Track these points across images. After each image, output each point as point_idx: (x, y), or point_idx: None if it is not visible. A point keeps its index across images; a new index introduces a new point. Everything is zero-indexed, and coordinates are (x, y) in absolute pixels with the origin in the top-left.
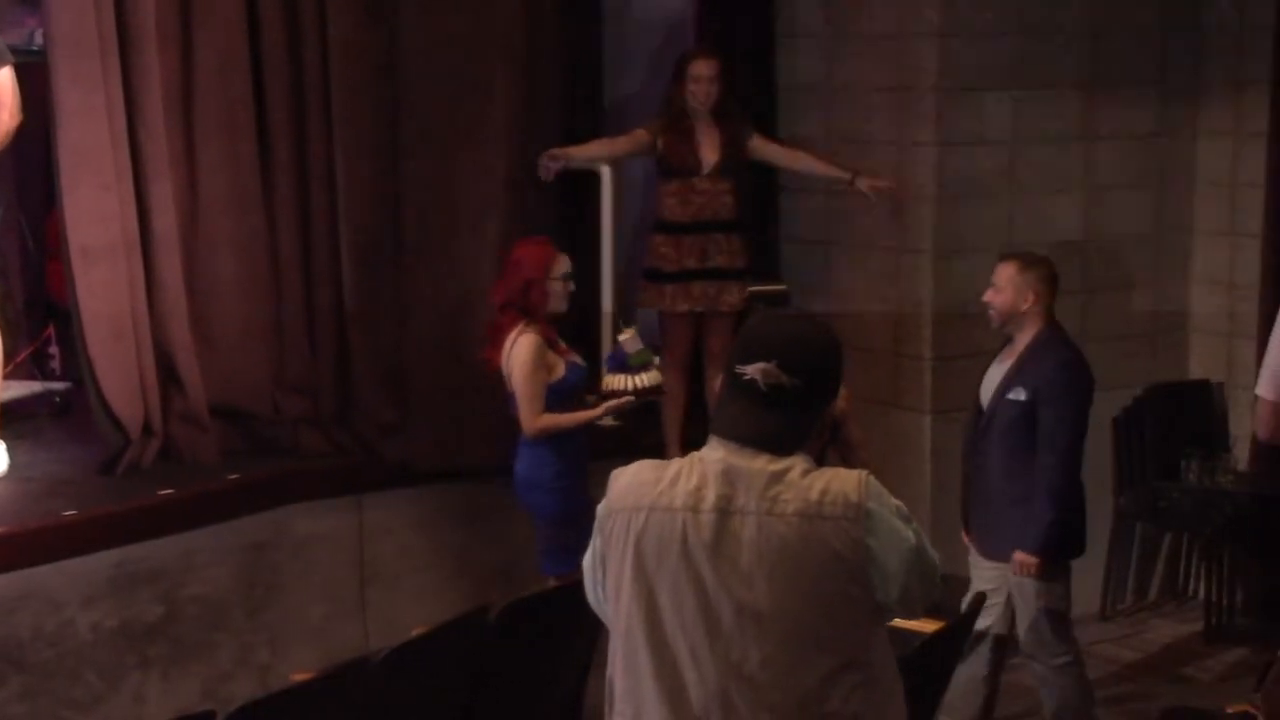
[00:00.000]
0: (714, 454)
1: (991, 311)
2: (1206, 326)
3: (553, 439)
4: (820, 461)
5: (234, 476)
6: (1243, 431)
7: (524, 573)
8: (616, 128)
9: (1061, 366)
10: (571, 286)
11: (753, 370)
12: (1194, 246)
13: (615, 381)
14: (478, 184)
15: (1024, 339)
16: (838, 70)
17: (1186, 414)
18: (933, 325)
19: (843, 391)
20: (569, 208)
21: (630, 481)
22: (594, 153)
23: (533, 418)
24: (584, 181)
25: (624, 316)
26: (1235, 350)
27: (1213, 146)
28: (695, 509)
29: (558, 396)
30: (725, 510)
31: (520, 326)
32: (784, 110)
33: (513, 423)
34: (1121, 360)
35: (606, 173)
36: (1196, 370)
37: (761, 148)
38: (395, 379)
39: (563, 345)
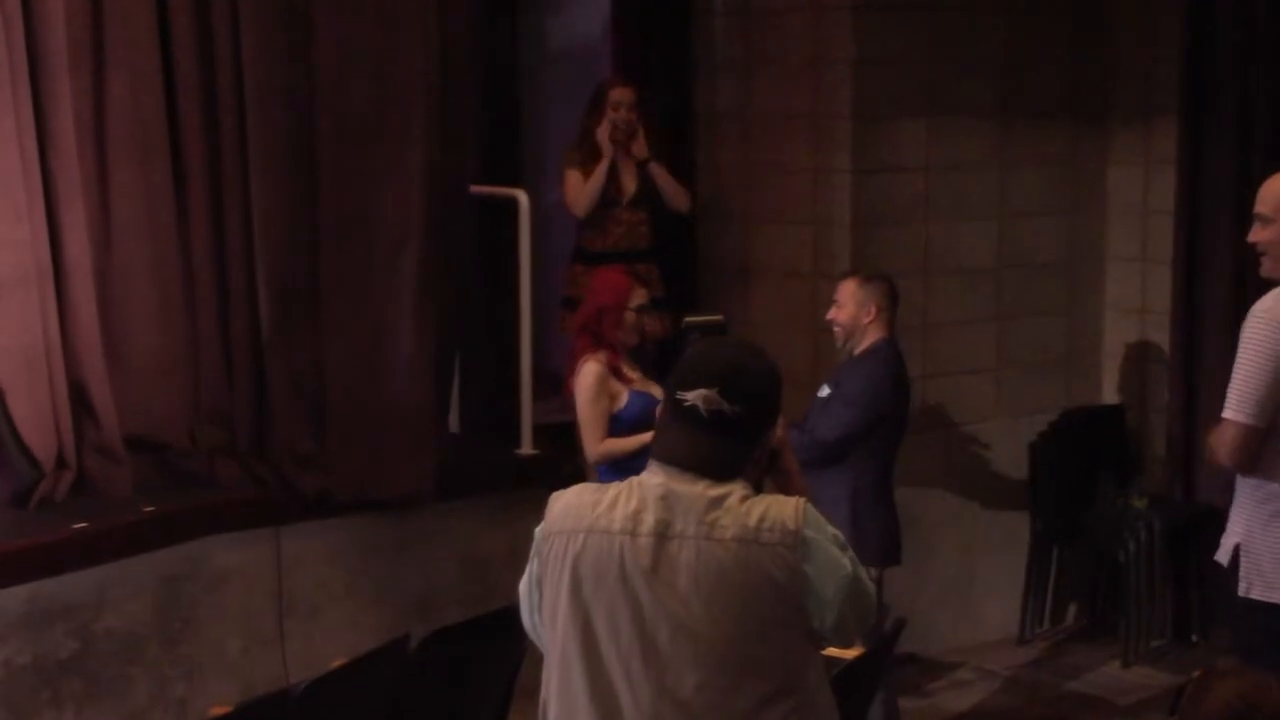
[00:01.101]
0: (653, 478)
1: (836, 329)
2: (1120, 352)
3: (620, 465)
4: (758, 490)
5: (149, 509)
6: (1155, 454)
7: (444, 604)
8: (533, 159)
9: (863, 374)
10: (645, 320)
11: (694, 397)
12: (1107, 273)
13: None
14: (395, 215)
15: (859, 350)
16: (754, 98)
17: (1101, 438)
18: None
19: (779, 421)
20: (487, 238)
21: (569, 504)
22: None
23: (593, 444)
24: (501, 211)
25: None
26: (1147, 375)
27: (1123, 174)
28: (633, 532)
29: (623, 426)
30: (664, 534)
31: (590, 353)
32: (701, 138)
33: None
34: (1036, 386)
35: (524, 201)
36: (1110, 395)
37: (655, 174)
38: (313, 409)
39: (632, 375)
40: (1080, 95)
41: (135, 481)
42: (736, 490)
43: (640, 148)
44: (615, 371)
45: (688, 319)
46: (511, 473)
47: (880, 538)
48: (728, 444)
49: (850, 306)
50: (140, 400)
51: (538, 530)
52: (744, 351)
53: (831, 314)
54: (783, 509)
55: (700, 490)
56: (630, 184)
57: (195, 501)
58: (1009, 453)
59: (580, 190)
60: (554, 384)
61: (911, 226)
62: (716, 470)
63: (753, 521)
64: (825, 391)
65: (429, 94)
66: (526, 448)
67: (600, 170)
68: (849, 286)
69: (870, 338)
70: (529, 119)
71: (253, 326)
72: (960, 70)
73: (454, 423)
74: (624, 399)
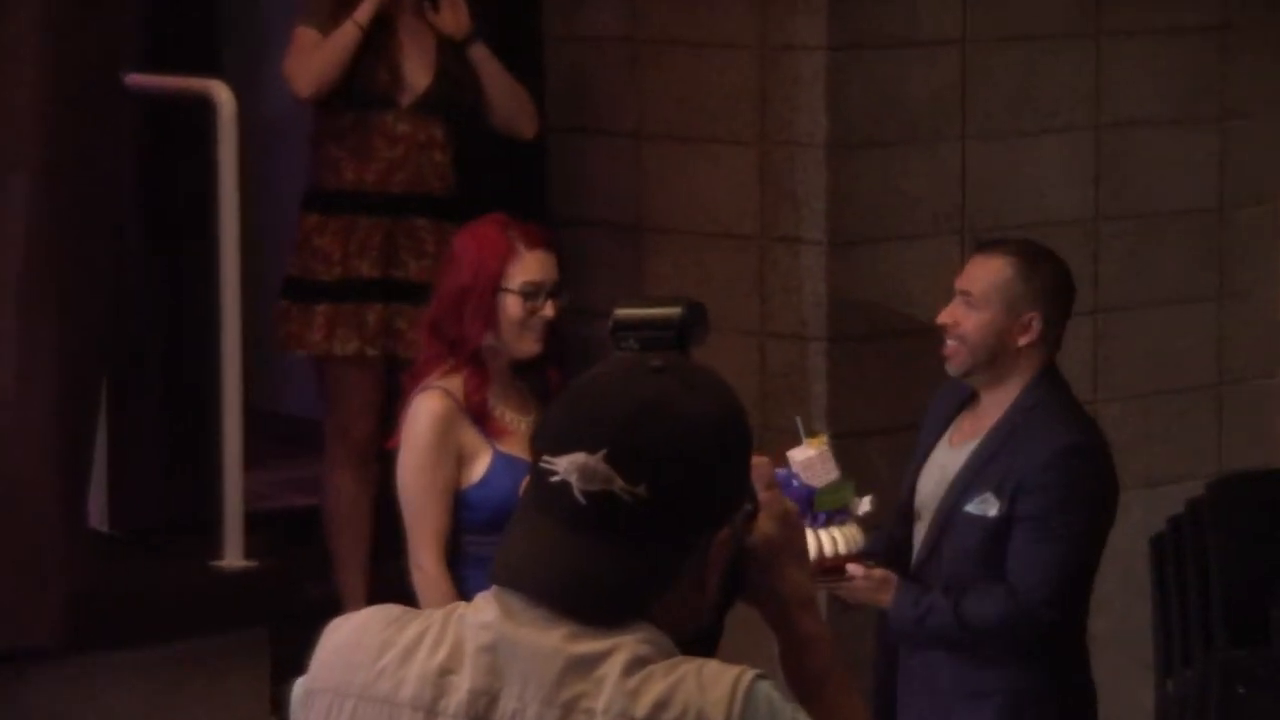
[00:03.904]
0: (482, 614)
1: (953, 344)
2: None
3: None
4: (705, 644)
5: None
6: None
7: None
8: (249, 34)
9: (1067, 452)
10: (548, 310)
11: (565, 466)
12: None
13: None
14: None
15: (1001, 397)
16: None
17: None
18: (829, 378)
19: (776, 506)
20: (160, 163)
21: (344, 643)
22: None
23: (421, 543)
24: (184, 113)
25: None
26: None
27: None
28: (431, 709)
29: (481, 517)
30: (482, 717)
31: (438, 374)
32: None
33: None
34: (1165, 434)
35: (226, 101)
36: None
37: (482, 63)
38: None
39: (517, 421)
40: None
41: None
42: (626, 646)
43: (458, 16)
44: (477, 412)
45: (621, 311)
46: (206, 603)
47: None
48: (620, 556)
49: (995, 309)
50: None
51: (297, 685)
52: (671, 383)
53: (949, 315)
54: (706, 688)
55: (556, 642)
56: (420, 74)
57: None
58: (1118, 552)
59: (311, 52)
60: (287, 439)
61: (936, 147)
62: (594, 605)
63: (643, 710)
64: (992, 507)
65: None
66: (234, 557)
67: (354, 23)
68: (992, 269)
69: (1021, 376)
70: None
71: None
72: None
73: (98, 515)
74: (483, 464)
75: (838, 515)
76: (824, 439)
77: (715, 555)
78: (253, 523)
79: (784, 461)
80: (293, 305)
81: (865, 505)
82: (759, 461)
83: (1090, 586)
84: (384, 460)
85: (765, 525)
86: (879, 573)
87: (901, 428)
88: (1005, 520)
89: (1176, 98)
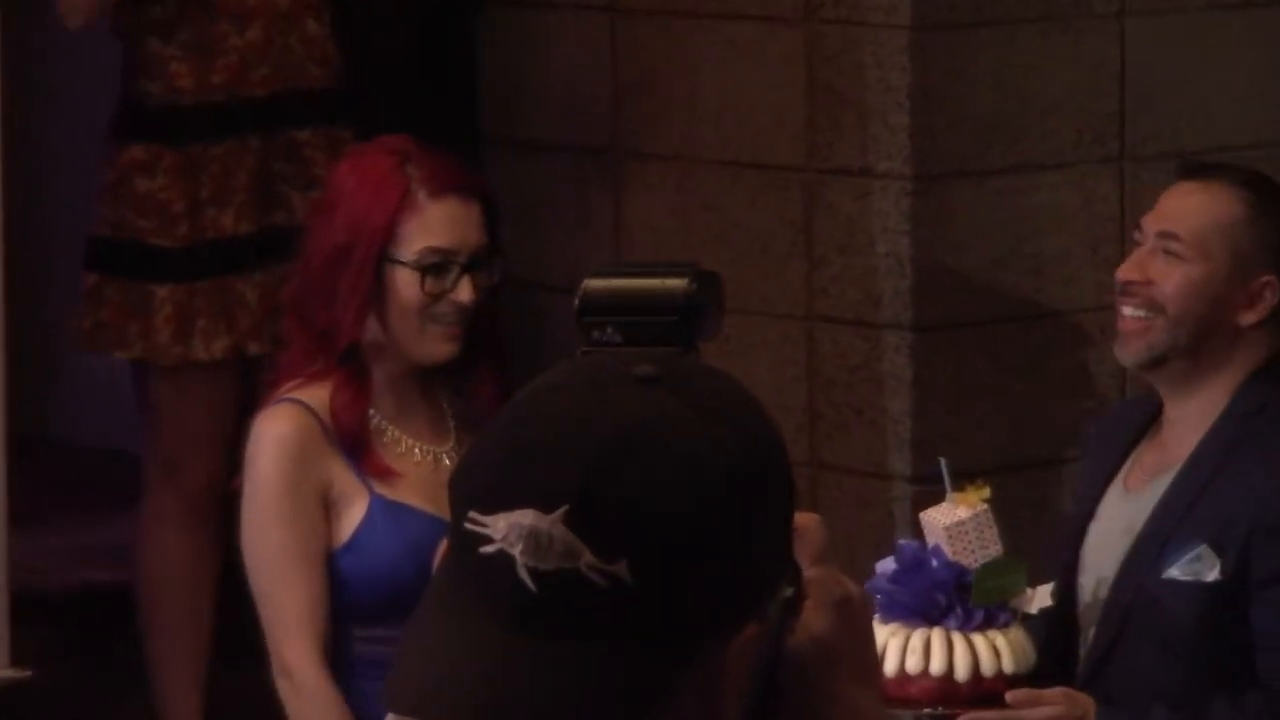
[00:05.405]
0: None
1: (1137, 315)
2: None
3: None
4: None
5: None
6: None
7: None
8: None
9: None
10: (463, 293)
11: (505, 531)
12: None
13: (895, 642)
14: None
15: (1200, 408)
16: None
17: None
18: (914, 386)
19: (832, 590)
20: None
21: None
22: None
23: (283, 645)
24: None
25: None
26: None
27: None
28: None
29: (356, 599)
30: None
31: (300, 380)
32: None
33: None
34: None
35: None
36: None
37: None
38: None
39: (403, 447)
40: None
41: None
42: None
43: None
44: (349, 438)
45: (593, 282)
46: None
47: None
48: (592, 671)
49: (1217, 258)
50: None
51: None
52: (669, 401)
53: (1140, 268)
54: None
55: None
56: None
57: None
58: None
59: None
60: (81, 482)
61: (1080, 29)
62: None
63: None
64: (1211, 568)
65: None
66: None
67: None
68: (1215, 200)
69: (1241, 364)
70: None
71: None
72: None
73: None
74: (354, 517)
75: (1001, 614)
76: (984, 492)
77: (736, 666)
78: (26, 610)
79: (895, 522)
80: (107, 282)
81: (1043, 598)
82: (806, 522)
83: None
84: (230, 510)
85: (814, 619)
86: (1057, 694)
87: (1029, 464)
88: (1234, 584)
89: None
